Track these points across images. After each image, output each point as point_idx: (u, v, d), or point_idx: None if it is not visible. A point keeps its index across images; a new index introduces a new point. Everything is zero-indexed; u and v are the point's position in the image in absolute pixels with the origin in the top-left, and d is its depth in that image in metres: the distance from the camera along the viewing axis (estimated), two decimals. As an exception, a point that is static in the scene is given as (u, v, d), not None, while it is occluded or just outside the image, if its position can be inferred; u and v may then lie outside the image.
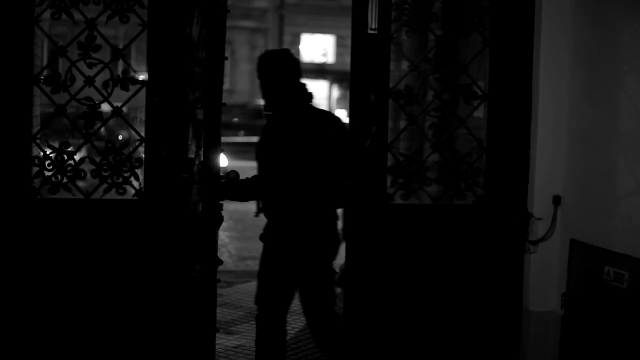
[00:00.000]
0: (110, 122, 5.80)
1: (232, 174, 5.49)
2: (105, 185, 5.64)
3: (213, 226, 5.70)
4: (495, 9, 6.12)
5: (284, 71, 5.42)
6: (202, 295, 5.72)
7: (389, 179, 6.08)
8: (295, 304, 5.74)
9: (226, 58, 5.70)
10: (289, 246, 5.40)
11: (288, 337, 5.93)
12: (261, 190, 5.44)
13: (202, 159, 5.60)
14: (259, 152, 5.45)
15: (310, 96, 5.49)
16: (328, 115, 5.53)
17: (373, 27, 5.92)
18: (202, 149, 5.62)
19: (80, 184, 5.63)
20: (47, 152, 5.58)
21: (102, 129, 5.85)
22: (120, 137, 16.52)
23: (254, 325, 5.62)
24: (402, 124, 6.52)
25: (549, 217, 6.17)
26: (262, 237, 5.54)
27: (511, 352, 6.27)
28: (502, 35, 6.14)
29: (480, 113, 6.33)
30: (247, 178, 5.51)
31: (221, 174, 5.63)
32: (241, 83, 37.18)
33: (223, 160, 6.17)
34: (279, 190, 5.35)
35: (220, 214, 5.67)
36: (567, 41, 6.10)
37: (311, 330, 5.56)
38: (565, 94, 6.10)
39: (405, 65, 6.32)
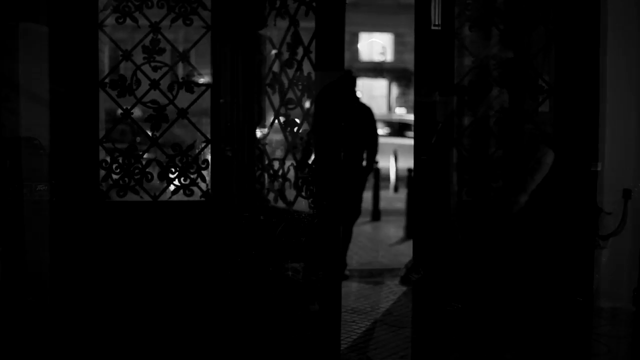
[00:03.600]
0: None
1: None
2: (172, 187, 5.69)
3: (336, 227, 5.62)
4: (560, 1, 6.04)
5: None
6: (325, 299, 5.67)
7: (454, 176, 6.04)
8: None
9: None
10: None
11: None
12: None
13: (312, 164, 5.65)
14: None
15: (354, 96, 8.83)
16: (360, 106, 8.85)
17: (436, 23, 5.89)
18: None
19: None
20: (115, 155, 5.64)
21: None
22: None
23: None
24: (467, 120, 6.47)
25: (619, 211, 6.07)
26: None
27: (582, 349, 6.18)
28: (567, 27, 6.04)
29: (546, 108, 6.25)
30: None
31: None
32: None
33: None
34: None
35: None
36: (635, 32, 6.00)
37: None
38: (634, 86, 6.01)
39: (468, 60, 6.27)
